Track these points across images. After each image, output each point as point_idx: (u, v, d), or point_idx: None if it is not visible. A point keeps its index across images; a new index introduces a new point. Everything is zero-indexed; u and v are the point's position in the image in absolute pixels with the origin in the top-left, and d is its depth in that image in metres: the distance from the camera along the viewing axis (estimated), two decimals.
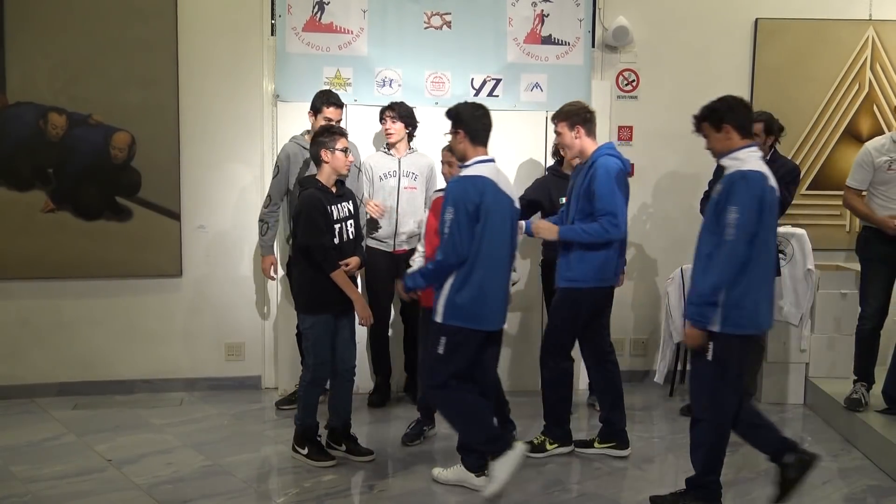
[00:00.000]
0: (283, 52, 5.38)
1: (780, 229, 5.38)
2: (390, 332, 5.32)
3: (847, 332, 5.27)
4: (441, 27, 5.49)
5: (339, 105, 4.86)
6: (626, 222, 4.24)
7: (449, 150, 4.28)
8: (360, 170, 5.08)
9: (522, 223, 4.31)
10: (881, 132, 5.48)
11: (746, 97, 5.64)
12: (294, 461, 4.36)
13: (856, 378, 4.90)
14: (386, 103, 5.13)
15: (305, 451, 4.32)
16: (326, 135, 4.20)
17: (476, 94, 5.51)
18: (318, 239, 4.10)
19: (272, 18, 5.41)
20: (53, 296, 5.36)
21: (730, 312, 3.52)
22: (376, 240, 5.10)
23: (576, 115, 4.26)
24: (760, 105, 5.68)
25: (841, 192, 5.04)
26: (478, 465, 3.98)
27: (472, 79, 5.53)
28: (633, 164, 5.53)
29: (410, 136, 5.12)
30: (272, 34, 5.42)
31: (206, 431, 4.85)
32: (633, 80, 5.74)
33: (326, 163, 4.19)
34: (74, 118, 5.21)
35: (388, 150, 5.11)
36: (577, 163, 4.35)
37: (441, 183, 4.92)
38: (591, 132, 4.29)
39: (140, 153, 5.31)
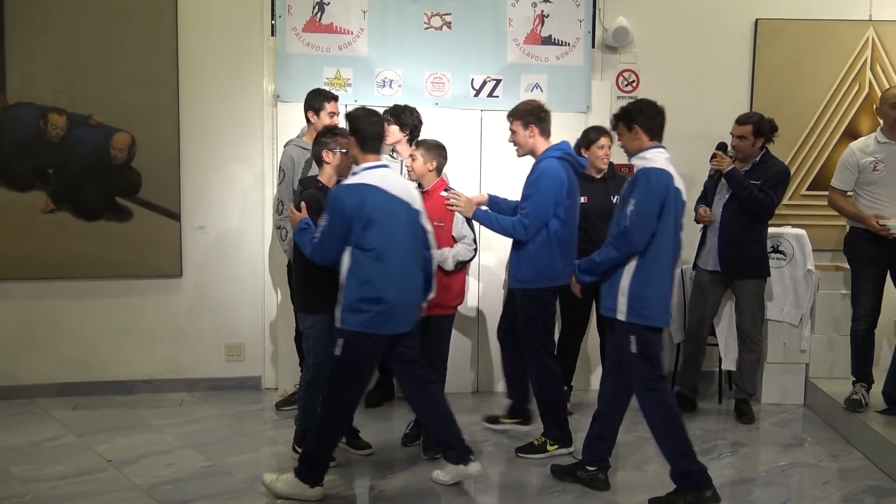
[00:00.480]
0: (283, 52, 5.38)
1: (780, 230, 5.43)
2: None
3: (847, 332, 5.28)
4: (441, 28, 5.50)
5: (336, 98, 4.90)
6: (574, 223, 4.38)
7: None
8: None
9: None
10: None
11: (746, 97, 5.73)
12: (294, 461, 4.36)
13: (854, 379, 4.91)
14: (386, 104, 5.09)
15: None
16: (328, 135, 4.20)
17: (476, 95, 5.52)
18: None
19: (272, 19, 5.41)
20: (54, 296, 5.36)
21: (634, 304, 3.75)
22: None
23: (530, 115, 4.32)
24: (760, 106, 5.71)
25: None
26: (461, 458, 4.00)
27: (472, 79, 5.53)
28: (632, 166, 5.57)
29: (413, 138, 5.11)
30: (272, 34, 5.42)
31: (206, 432, 4.85)
32: (633, 81, 5.74)
33: (328, 163, 4.19)
34: (74, 119, 5.21)
35: (392, 152, 5.10)
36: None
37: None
38: (544, 132, 4.36)
39: (140, 153, 5.31)
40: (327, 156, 4.17)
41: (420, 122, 5.03)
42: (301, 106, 5.04)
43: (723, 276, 5.11)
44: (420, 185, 4.36)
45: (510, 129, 4.42)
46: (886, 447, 4.38)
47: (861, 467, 4.45)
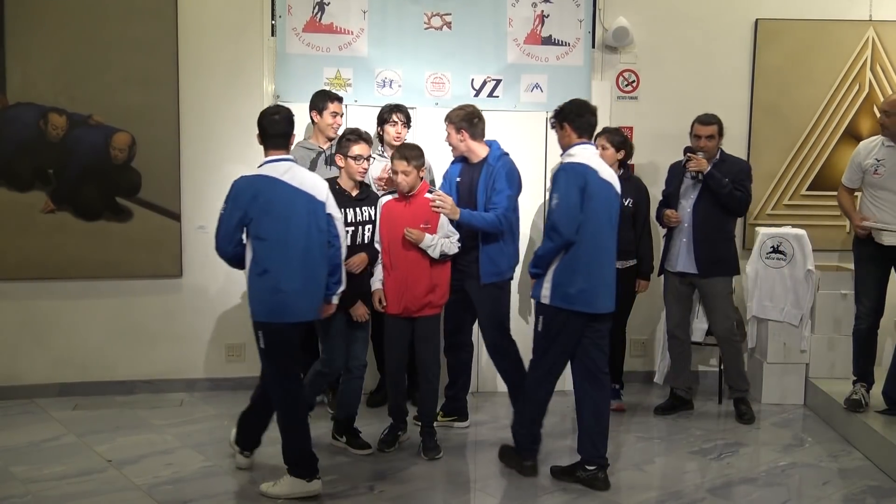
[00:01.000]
0: (284, 52, 5.39)
1: (780, 230, 5.43)
2: None
3: (847, 332, 5.28)
4: (441, 28, 5.50)
5: (340, 99, 4.97)
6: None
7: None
8: None
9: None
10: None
11: (747, 97, 5.74)
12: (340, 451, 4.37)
13: (855, 379, 4.91)
14: (385, 104, 5.09)
15: None
16: (344, 139, 4.28)
17: (476, 95, 5.52)
18: None
19: (272, 19, 5.41)
20: (54, 296, 5.36)
21: (557, 289, 4.00)
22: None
23: (462, 121, 4.56)
24: (761, 106, 5.72)
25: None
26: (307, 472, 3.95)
27: (473, 79, 5.54)
28: (632, 165, 5.59)
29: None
30: (272, 35, 5.42)
31: (207, 432, 4.85)
32: (633, 81, 5.74)
33: (340, 167, 4.28)
34: (75, 119, 5.21)
35: (383, 152, 5.09)
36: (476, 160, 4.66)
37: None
38: (475, 135, 4.59)
39: (140, 154, 5.31)
40: (339, 160, 4.28)
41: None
42: (301, 106, 5.05)
43: (690, 278, 5.11)
44: (409, 191, 4.37)
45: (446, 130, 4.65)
46: (887, 447, 4.38)
47: (861, 467, 4.45)
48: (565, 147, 4.14)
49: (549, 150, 5.41)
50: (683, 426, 5.05)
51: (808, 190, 5.82)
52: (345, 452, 4.49)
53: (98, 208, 5.31)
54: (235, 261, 3.95)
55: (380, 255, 4.42)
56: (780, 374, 5.46)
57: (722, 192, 4.90)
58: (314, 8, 5.38)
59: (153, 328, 5.50)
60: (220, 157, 5.43)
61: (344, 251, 4.09)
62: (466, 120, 4.54)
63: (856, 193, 4.94)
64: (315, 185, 3.97)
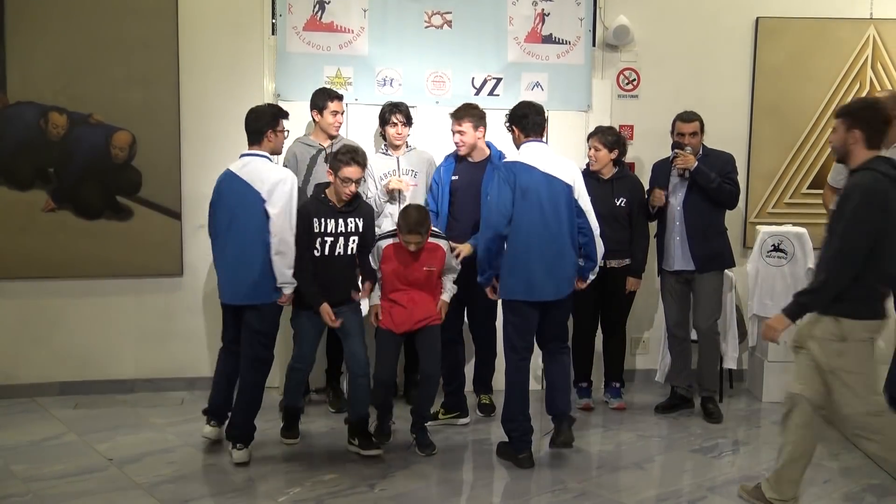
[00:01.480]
0: (284, 51, 5.38)
1: (781, 228, 5.43)
2: None
3: None
4: (442, 26, 5.49)
5: (340, 97, 4.99)
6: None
7: None
8: None
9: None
10: None
11: (747, 96, 5.74)
12: (293, 461, 4.37)
13: None
14: (386, 102, 5.11)
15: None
16: (338, 157, 4.30)
17: (477, 94, 5.52)
18: (299, 251, 4.28)
19: (273, 18, 5.41)
20: (54, 295, 5.36)
21: (503, 282, 4.29)
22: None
23: (482, 119, 4.83)
24: (761, 104, 5.73)
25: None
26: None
27: (473, 78, 5.54)
28: (632, 163, 5.59)
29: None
30: (273, 33, 5.42)
31: None
32: (634, 80, 5.74)
33: (331, 182, 4.34)
34: (75, 118, 5.21)
35: (386, 150, 5.11)
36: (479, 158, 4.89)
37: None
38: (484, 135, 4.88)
39: (141, 152, 5.31)
40: (329, 176, 4.34)
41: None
42: (301, 105, 5.08)
43: (686, 275, 5.10)
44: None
45: (458, 131, 4.80)
46: None
47: (862, 466, 4.45)
48: (517, 146, 4.41)
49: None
50: (684, 424, 5.04)
51: (808, 188, 5.82)
52: (345, 451, 4.48)
53: (98, 207, 5.31)
54: None
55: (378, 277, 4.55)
56: (781, 372, 5.45)
57: (710, 186, 4.89)
58: (314, 6, 5.38)
59: (154, 327, 5.51)
60: (220, 156, 5.38)
61: (277, 247, 4.21)
62: (482, 118, 4.81)
63: None
64: (264, 179, 4.20)
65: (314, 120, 4.98)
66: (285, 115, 4.57)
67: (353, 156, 4.26)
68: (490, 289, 4.41)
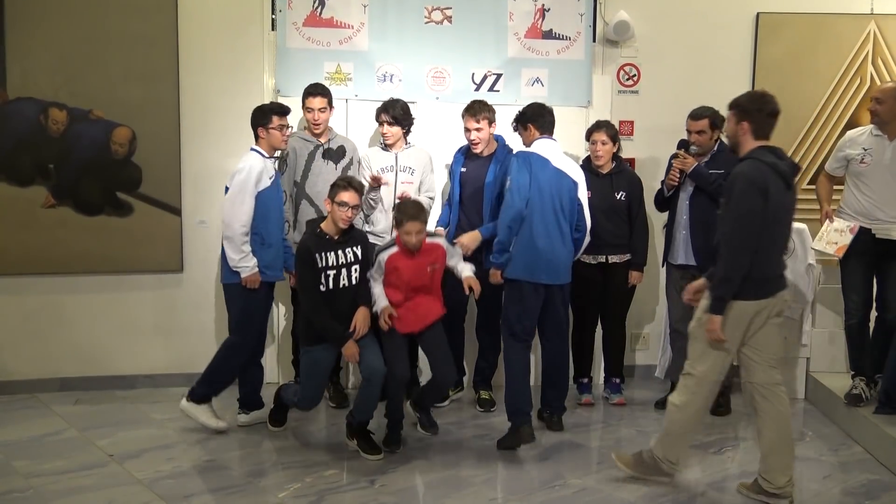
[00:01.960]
0: (284, 46, 5.38)
1: None
2: None
3: None
4: (442, 22, 5.49)
5: (283, 112, 4.66)
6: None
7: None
8: (360, 164, 5.09)
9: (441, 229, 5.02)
10: None
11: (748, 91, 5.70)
12: (294, 457, 4.38)
13: (853, 373, 4.91)
14: (387, 98, 5.12)
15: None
16: (336, 182, 4.34)
17: (477, 89, 5.51)
18: (306, 290, 4.33)
19: (272, 13, 5.40)
20: (54, 291, 5.37)
21: (508, 262, 4.47)
22: (374, 234, 5.11)
23: (492, 112, 4.98)
24: None
25: (840, 188, 5.05)
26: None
27: (473, 73, 5.53)
28: (633, 159, 5.59)
29: (407, 132, 5.12)
30: (272, 29, 5.41)
31: (207, 426, 4.86)
32: (634, 75, 5.73)
33: (329, 212, 4.35)
34: (75, 113, 5.21)
35: (384, 146, 5.12)
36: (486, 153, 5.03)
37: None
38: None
39: (141, 148, 5.31)
40: (328, 205, 4.36)
41: (410, 113, 5.07)
42: (300, 100, 5.05)
43: (692, 271, 5.09)
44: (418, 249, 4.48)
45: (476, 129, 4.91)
46: (887, 441, 4.38)
47: (862, 461, 4.46)
48: (528, 143, 4.62)
49: None
50: None
51: (808, 184, 5.81)
52: (345, 447, 4.49)
53: (99, 203, 5.31)
54: None
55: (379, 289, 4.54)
56: (781, 367, 5.45)
57: (709, 188, 4.87)
58: (314, 2, 5.38)
59: (154, 323, 5.51)
60: (220, 152, 5.42)
61: (224, 232, 4.51)
62: (494, 113, 4.98)
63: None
64: (232, 171, 4.53)
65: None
66: (281, 111, 4.61)
67: (349, 181, 4.34)
68: (499, 272, 4.54)
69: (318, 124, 4.95)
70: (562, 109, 5.53)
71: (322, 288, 4.30)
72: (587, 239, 4.72)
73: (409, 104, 5.13)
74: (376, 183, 4.93)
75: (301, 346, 4.52)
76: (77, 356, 5.42)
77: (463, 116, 4.95)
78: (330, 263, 4.31)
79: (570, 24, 5.57)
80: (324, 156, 4.99)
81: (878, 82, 5.69)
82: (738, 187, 3.71)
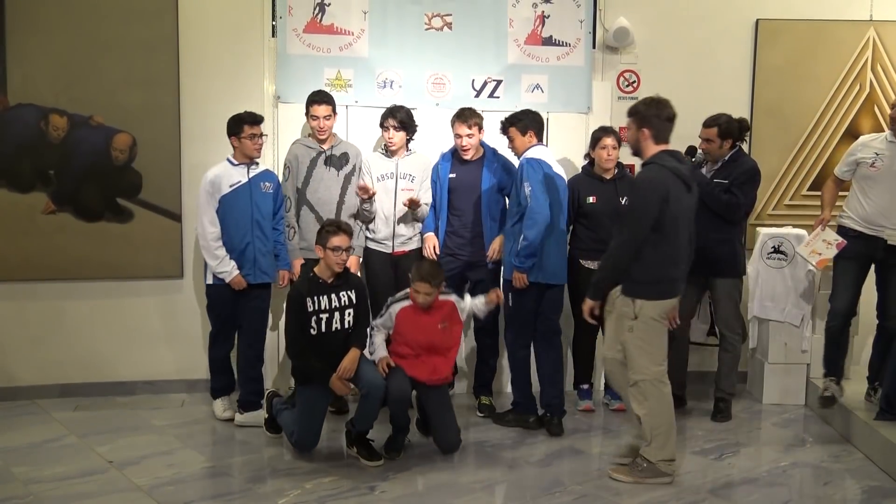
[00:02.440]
0: (284, 53, 5.39)
1: (781, 230, 5.43)
2: None
3: (849, 333, 5.31)
4: (442, 28, 5.50)
5: (257, 121, 4.83)
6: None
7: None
8: (360, 170, 5.10)
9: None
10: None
11: (747, 98, 5.75)
12: (293, 463, 4.37)
13: (825, 373, 4.96)
14: (387, 105, 5.14)
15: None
16: (324, 230, 4.36)
17: (477, 96, 5.52)
18: (290, 335, 4.39)
19: (273, 20, 5.41)
20: (55, 297, 5.36)
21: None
22: (375, 241, 5.12)
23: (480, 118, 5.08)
24: (761, 106, 5.72)
25: (844, 194, 5.05)
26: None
27: (473, 80, 5.54)
28: (632, 165, 5.58)
29: (410, 139, 5.13)
30: (273, 35, 5.42)
31: (208, 433, 4.86)
32: (634, 81, 5.74)
33: (321, 258, 4.36)
34: (75, 119, 5.21)
35: (386, 152, 5.13)
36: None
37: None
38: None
39: (141, 154, 5.31)
40: (319, 251, 4.37)
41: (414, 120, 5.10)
42: (302, 107, 5.06)
43: (695, 277, 5.11)
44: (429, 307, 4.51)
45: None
46: (887, 447, 4.37)
47: (862, 467, 4.45)
48: (524, 149, 4.76)
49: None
50: (684, 426, 5.04)
51: (808, 190, 5.81)
52: (345, 453, 4.49)
53: (99, 209, 5.31)
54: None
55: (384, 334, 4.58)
56: (782, 374, 5.46)
57: (705, 197, 4.85)
58: (315, 9, 5.38)
59: (154, 329, 5.51)
60: (221, 158, 5.35)
61: (205, 246, 4.80)
62: (482, 119, 5.06)
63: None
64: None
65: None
66: (252, 121, 4.77)
67: (338, 225, 4.38)
68: (525, 275, 4.66)
69: (323, 131, 4.96)
70: (562, 115, 5.58)
71: (313, 331, 4.33)
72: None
73: (411, 112, 5.13)
74: (365, 194, 4.95)
75: (295, 384, 4.57)
76: (77, 362, 5.42)
77: (453, 123, 5.00)
78: (322, 307, 4.34)
79: (569, 30, 5.58)
80: (326, 162, 5.00)
81: (878, 89, 5.70)
82: (638, 190, 4.01)
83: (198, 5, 5.34)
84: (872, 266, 4.85)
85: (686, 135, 5.12)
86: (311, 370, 4.36)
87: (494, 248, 4.98)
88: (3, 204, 5.19)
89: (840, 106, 5.77)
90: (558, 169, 4.76)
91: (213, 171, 4.83)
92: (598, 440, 4.88)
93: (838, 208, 5.06)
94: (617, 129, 5.29)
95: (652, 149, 3.99)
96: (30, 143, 5.18)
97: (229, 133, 4.82)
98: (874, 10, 5.71)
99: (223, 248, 4.78)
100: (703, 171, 5.05)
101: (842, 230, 4.86)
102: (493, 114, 5.28)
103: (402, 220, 5.09)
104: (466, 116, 4.94)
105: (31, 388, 5.35)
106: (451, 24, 5.49)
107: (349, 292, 4.42)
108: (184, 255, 5.45)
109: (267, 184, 4.93)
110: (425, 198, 5.08)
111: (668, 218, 3.91)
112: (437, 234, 5.09)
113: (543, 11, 5.55)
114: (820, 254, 4.92)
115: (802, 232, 5.38)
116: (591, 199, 5.02)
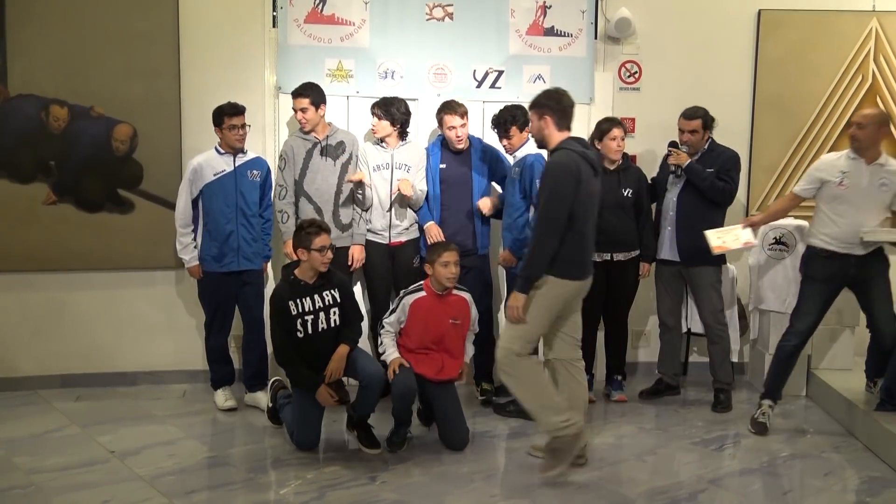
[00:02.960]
0: (285, 43, 5.38)
1: (783, 221, 5.42)
2: None
3: (850, 322, 5.32)
4: (443, 18, 5.48)
5: (239, 112, 4.89)
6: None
7: None
8: (357, 158, 5.10)
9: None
10: None
11: (749, 88, 5.74)
12: (295, 453, 4.38)
13: (763, 394, 4.89)
14: (388, 95, 5.13)
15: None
16: (304, 232, 4.30)
17: (478, 86, 5.51)
18: (275, 339, 4.36)
19: (274, 10, 5.40)
20: (55, 288, 5.37)
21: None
22: (372, 232, 5.12)
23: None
24: (763, 97, 5.72)
25: (804, 214, 5.05)
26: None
27: (475, 70, 5.52)
28: (634, 156, 5.58)
29: (404, 130, 5.12)
30: (274, 26, 5.41)
31: (209, 423, 4.87)
32: (636, 72, 5.73)
33: (304, 261, 4.32)
34: (76, 110, 5.21)
35: (381, 143, 5.12)
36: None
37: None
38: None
39: (142, 145, 5.31)
40: (302, 254, 4.33)
41: (409, 113, 5.06)
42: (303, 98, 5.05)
43: (678, 267, 5.15)
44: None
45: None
46: (888, 438, 4.38)
47: (863, 458, 4.46)
48: (518, 146, 4.84)
49: None
50: (684, 417, 5.05)
51: None
52: (346, 443, 4.49)
53: (100, 200, 5.31)
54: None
55: (393, 334, 4.54)
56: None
57: (702, 184, 4.94)
58: None
59: (155, 319, 5.51)
60: None
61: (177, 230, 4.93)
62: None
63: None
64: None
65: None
66: (233, 112, 4.85)
67: (318, 225, 4.35)
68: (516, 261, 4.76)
69: (304, 124, 4.96)
70: None
71: (300, 334, 4.32)
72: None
73: (411, 101, 5.14)
74: (353, 182, 4.98)
75: (291, 385, 4.59)
76: (78, 353, 5.43)
77: (442, 115, 4.99)
78: (306, 309, 4.33)
79: (571, 20, 5.56)
80: (322, 153, 5.00)
81: (881, 79, 5.69)
82: (552, 175, 3.97)
83: None
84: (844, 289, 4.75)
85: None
86: (300, 378, 4.37)
87: (487, 204, 5.02)
88: (3, 195, 5.19)
89: (842, 97, 5.75)
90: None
91: (199, 158, 4.94)
92: (598, 430, 4.88)
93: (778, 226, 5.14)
94: (620, 120, 5.29)
95: (556, 136, 4.07)
96: (30, 134, 5.18)
97: (213, 123, 4.91)
98: (877, 1, 5.69)
99: (190, 234, 4.93)
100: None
101: (812, 251, 4.76)
102: (495, 104, 5.27)
103: (399, 210, 5.08)
104: (455, 107, 4.95)
105: (32, 379, 5.37)
106: (452, 14, 5.48)
107: (332, 291, 4.40)
108: None
109: (255, 171, 4.98)
110: (420, 185, 5.07)
111: (579, 201, 3.95)
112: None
113: (545, 2, 5.54)
114: (724, 242, 4.90)
115: (804, 223, 5.37)
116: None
